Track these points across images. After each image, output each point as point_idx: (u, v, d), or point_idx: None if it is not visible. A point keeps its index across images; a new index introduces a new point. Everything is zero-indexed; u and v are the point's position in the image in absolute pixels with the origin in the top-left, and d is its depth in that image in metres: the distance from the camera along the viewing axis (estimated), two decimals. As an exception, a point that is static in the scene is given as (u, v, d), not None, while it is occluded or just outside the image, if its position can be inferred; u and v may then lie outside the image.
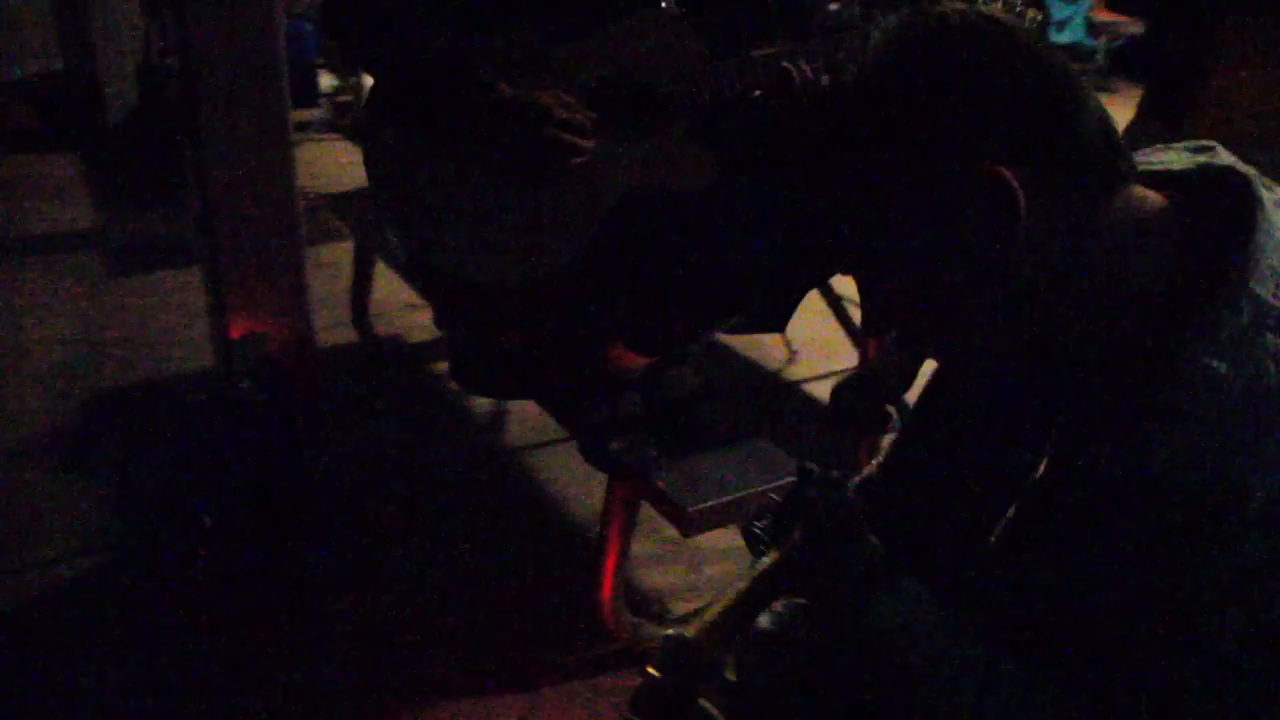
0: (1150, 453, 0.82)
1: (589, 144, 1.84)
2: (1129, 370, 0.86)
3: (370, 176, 1.96)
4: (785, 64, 1.83)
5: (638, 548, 2.49)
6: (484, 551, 2.56)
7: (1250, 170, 0.90)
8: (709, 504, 1.81)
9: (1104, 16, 9.00)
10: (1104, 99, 0.88)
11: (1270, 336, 0.81)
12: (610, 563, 2.10)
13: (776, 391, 3.36)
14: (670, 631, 0.84)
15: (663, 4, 1.93)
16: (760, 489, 1.86)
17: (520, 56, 1.86)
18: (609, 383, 2.00)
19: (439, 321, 2.43)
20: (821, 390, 3.40)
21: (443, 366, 3.51)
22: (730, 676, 1.08)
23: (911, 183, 0.86)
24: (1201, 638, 0.82)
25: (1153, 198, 0.89)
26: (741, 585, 0.91)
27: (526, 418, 3.12)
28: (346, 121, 6.35)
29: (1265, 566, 0.78)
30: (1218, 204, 0.88)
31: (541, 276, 1.86)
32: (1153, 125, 2.64)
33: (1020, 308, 0.89)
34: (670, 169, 1.91)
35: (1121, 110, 2.10)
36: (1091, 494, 0.86)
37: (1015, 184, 0.83)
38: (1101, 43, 8.97)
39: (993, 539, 0.96)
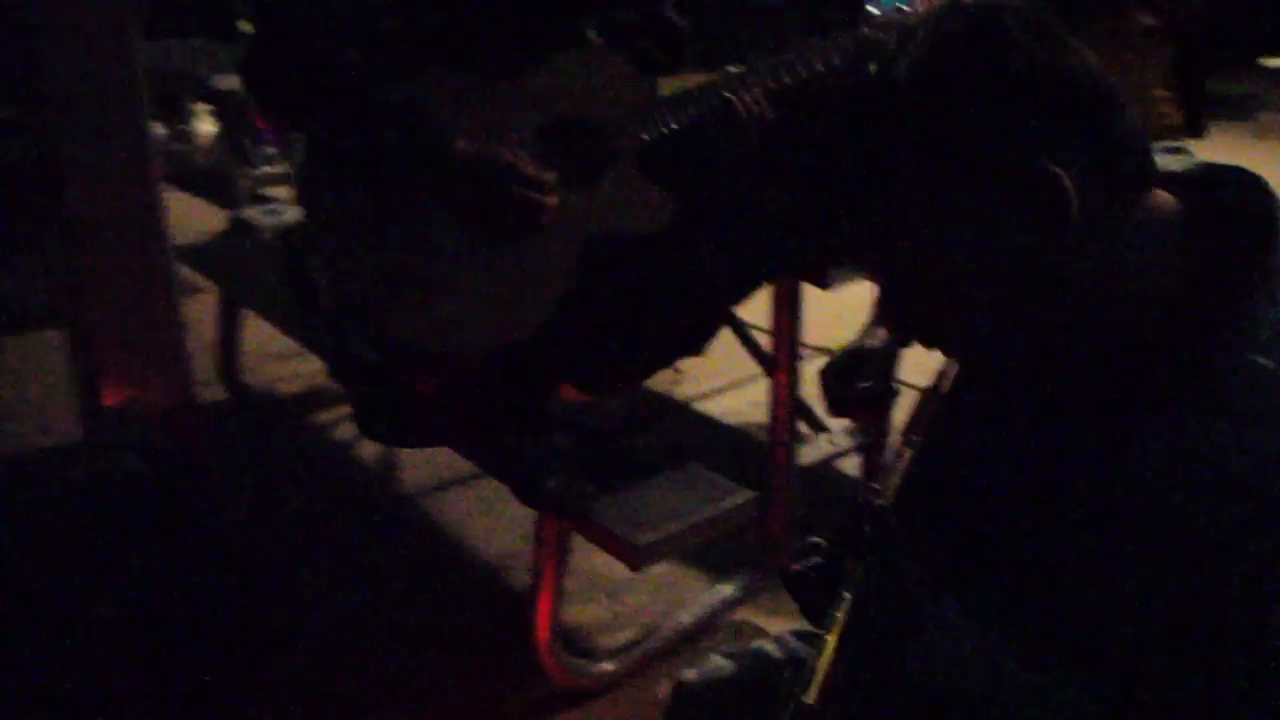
0: (1217, 454, 0.81)
1: (554, 201, 1.78)
2: (1163, 370, 0.86)
3: (309, 239, 1.85)
4: (726, 94, 1.81)
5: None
6: (402, 604, 2.46)
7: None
8: (659, 536, 1.78)
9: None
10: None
11: None
12: (545, 603, 2.05)
13: (676, 413, 3.35)
14: (794, 702, 0.78)
15: (590, 37, 1.89)
16: (707, 515, 1.83)
17: (452, 101, 1.78)
18: (539, 421, 1.94)
19: (335, 374, 2.32)
20: (713, 407, 3.41)
21: (325, 417, 3.39)
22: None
23: (961, 181, 0.84)
24: (1255, 635, 0.82)
25: (1167, 198, 0.90)
26: (830, 635, 0.86)
27: (419, 462, 3.03)
28: (172, 170, 6.07)
29: None
30: (1229, 204, 0.90)
31: (512, 340, 1.78)
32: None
33: (1055, 309, 0.88)
34: (626, 211, 1.86)
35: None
36: (1147, 498, 0.85)
37: (1069, 186, 0.82)
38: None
39: (1030, 546, 0.95)
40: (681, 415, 3.33)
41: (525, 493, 1.90)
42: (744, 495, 1.90)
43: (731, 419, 3.31)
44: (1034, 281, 0.87)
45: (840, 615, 0.88)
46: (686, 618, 2.32)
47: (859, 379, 1.35)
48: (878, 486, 1.10)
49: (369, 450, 3.16)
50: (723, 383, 3.50)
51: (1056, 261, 0.86)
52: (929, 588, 0.96)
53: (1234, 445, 0.81)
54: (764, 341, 2.91)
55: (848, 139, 0.88)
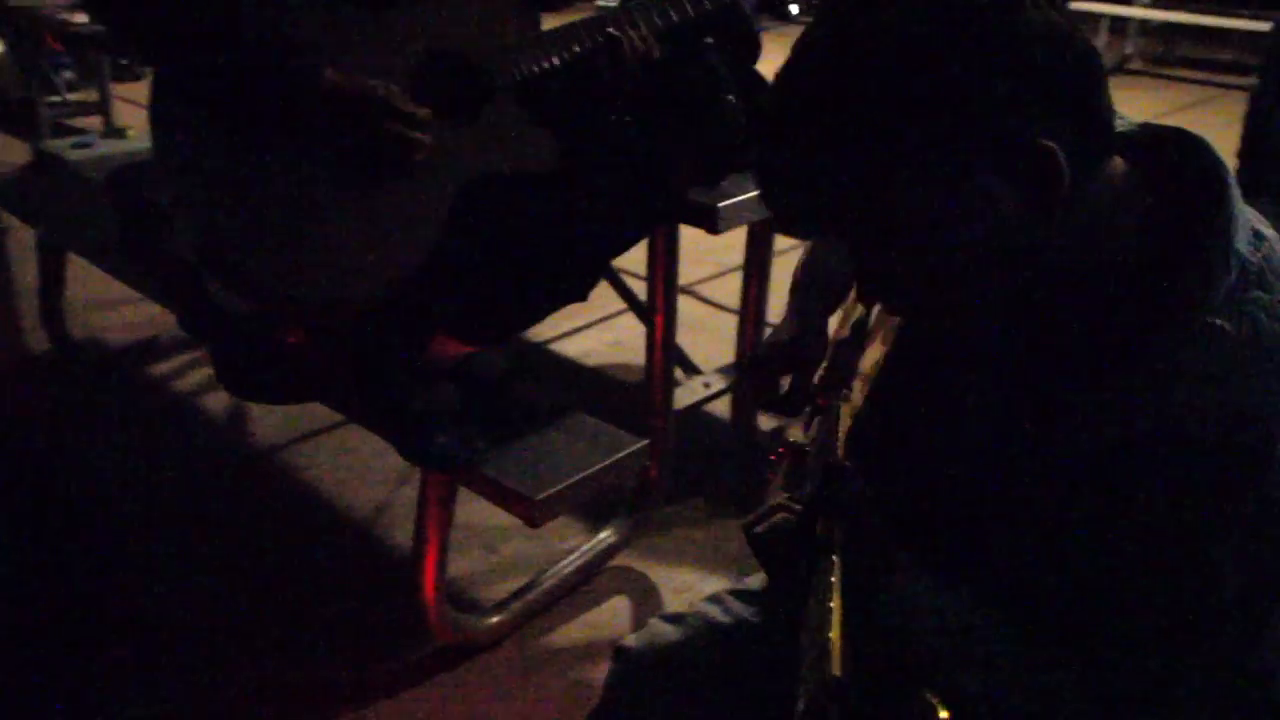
0: (1180, 414, 0.83)
1: (429, 138, 1.67)
2: (1125, 331, 0.87)
3: (164, 180, 1.69)
4: (612, 30, 1.75)
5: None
6: (268, 567, 2.35)
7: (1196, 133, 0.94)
8: (556, 489, 1.73)
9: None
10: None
11: (1255, 291, 0.85)
12: (430, 561, 1.98)
13: (532, 356, 3.28)
14: (814, 673, 0.75)
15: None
16: (601, 465, 1.80)
17: (321, 33, 1.65)
18: (419, 376, 1.86)
19: (188, 326, 2.18)
20: (571, 348, 3.37)
21: (162, 369, 3.19)
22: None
23: (951, 153, 0.82)
24: (1213, 589, 0.85)
25: (1118, 161, 0.90)
26: (836, 594, 0.84)
27: (267, 415, 2.88)
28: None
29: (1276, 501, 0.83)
30: (1176, 166, 0.91)
31: (388, 286, 1.68)
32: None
33: (1032, 277, 0.88)
34: (506, 149, 1.77)
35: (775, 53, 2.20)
36: (1112, 459, 0.86)
37: (1063, 161, 0.81)
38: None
39: (994, 505, 0.95)
40: (539, 358, 3.27)
41: (412, 450, 1.82)
42: (635, 443, 1.87)
43: (592, 360, 3.28)
44: (1016, 252, 0.86)
45: (835, 579, 0.85)
46: (568, 567, 2.29)
47: (787, 372, 1.35)
48: (836, 446, 1.09)
49: (212, 404, 3.00)
50: (580, 323, 3.46)
51: (1039, 232, 0.85)
52: (891, 541, 0.95)
53: (1193, 405, 0.83)
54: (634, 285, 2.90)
55: (817, 102, 0.85)
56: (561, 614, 2.24)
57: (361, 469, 2.70)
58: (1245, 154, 2.56)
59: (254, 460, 2.76)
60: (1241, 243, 0.86)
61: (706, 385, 2.60)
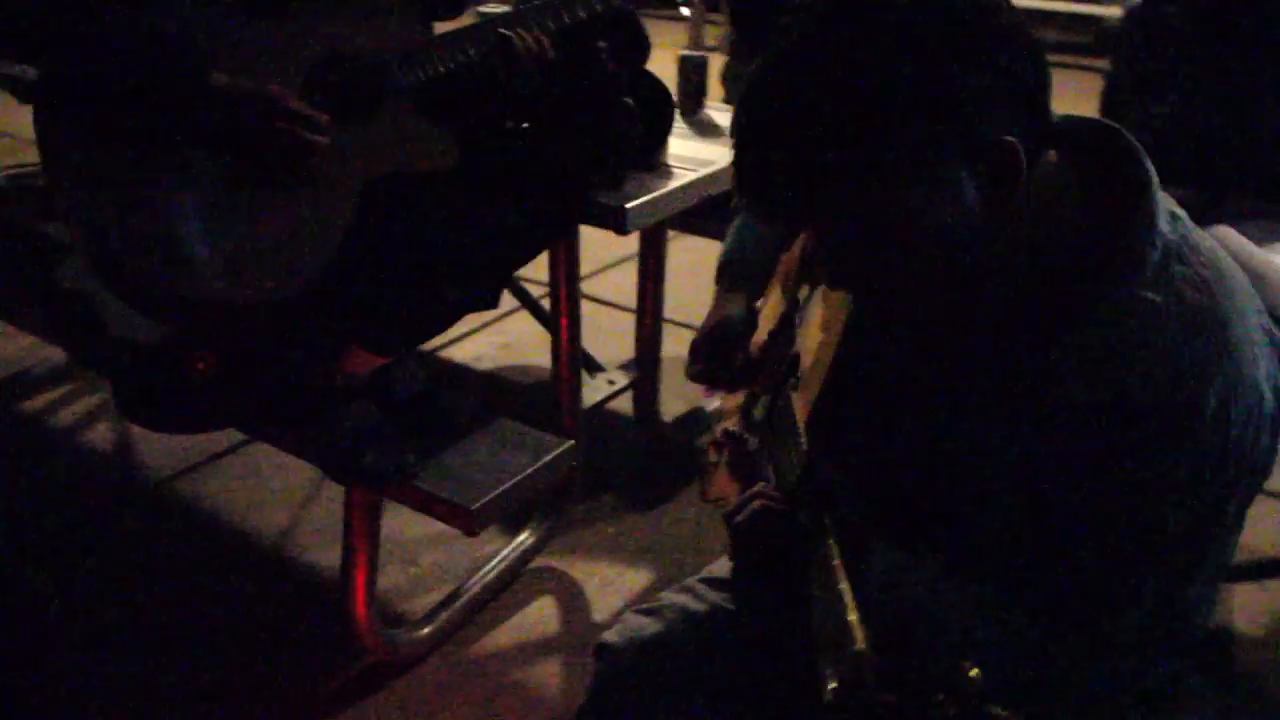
0: (1120, 377, 0.91)
1: (324, 140, 1.66)
2: (1066, 305, 0.95)
3: (50, 185, 1.64)
4: (503, 31, 1.77)
5: (335, 556, 2.36)
6: (183, 596, 2.29)
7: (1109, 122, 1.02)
8: (491, 496, 1.74)
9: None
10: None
11: (1177, 266, 0.94)
12: (360, 578, 1.98)
13: (426, 363, 3.26)
14: (838, 652, 0.79)
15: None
16: (532, 470, 1.82)
17: (214, 41, 1.63)
18: (338, 394, 1.85)
19: (82, 360, 2.11)
20: (460, 353, 3.36)
21: (36, 404, 3.05)
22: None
23: (930, 149, 0.88)
24: (1157, 531, 0.94)
25: (1051, 153, 0.97)
26: (842, 576, 0.88)
27: (156, 442, 2.79)
28: None
29: (1215, 464, 0.91)
30: (1099, 155, 0.99)
31: (289, 290, 1.66)
32: (753, 59, 2.86)
33: (981, 260, 0.94)
34: (404, 151, 1.78)
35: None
36: (1059, 421, 0.94)
37: (1022, 155, 0.87)
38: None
39: (956, 471, 1.02)
40: (430, 364, 3.25)
41: (339, 469, 1.81)
42: (562, 445, 1.90)
43: (485, 364, 3.28)
44: (970, 238, 0.92)
45: (837, 563, 0.90)
46: (491, 573, 2.30)
47: (730, 352, 1.40)
48: (797, 434, 1.14)
49: (96, 436, 2.90)
50: (468, 327, 3.45)
51: (992, 219, 0.92)
52: (867, 522, 1.02)
53: (1132, 370, 0.91)
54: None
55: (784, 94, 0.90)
56: (488, 619, 2.25)
57: (264, 491, 2.65)
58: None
59: (149, 492, 2.67)
60: (1163, 223, 0.95)
61: (611, 382, 2.64)
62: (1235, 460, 0.92)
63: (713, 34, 7.61)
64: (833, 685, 0.76)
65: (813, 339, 1.28)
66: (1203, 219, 1.87)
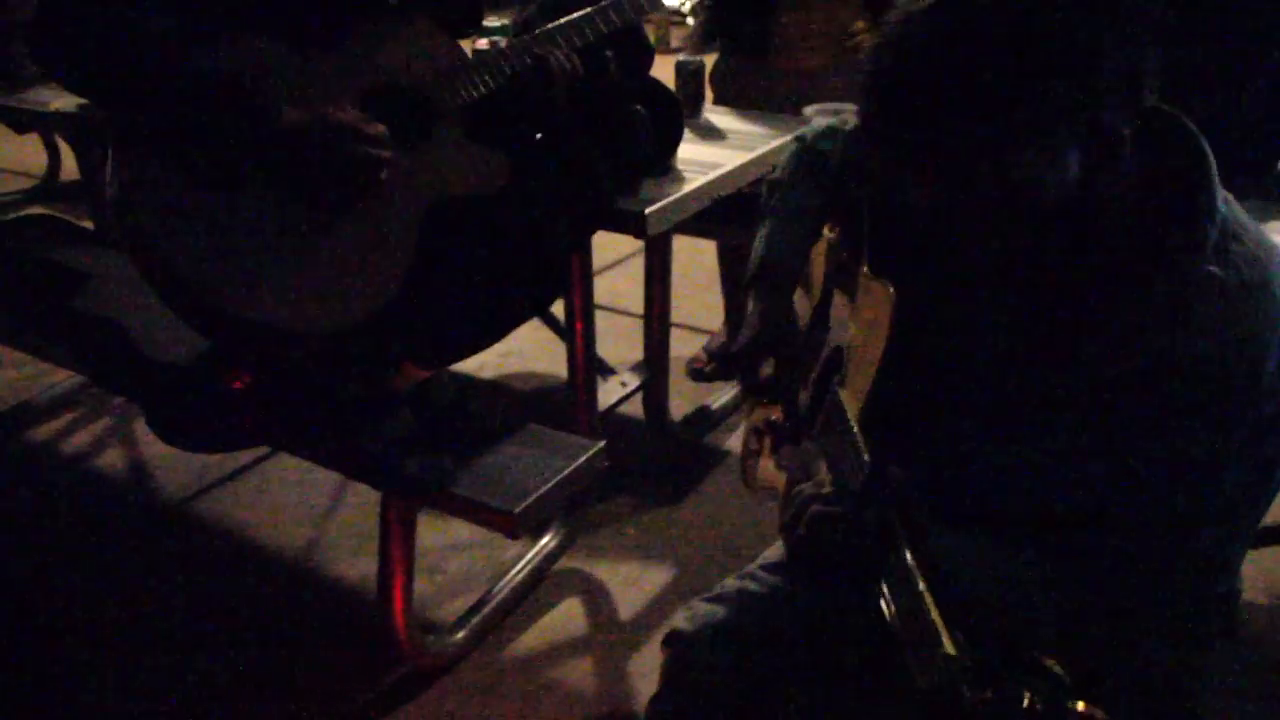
0: (1188, 344, 0.99)
1: (389, 154, 1.70)
2: (1137, 275, 1.03)
3: (122, 223, 1.66)
4: (539, 52, 1.82)
5: (364, 565, 2.40)
6: (218, 610, 2.32)
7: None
8: (532, 499, 1.78)
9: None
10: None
11: (1234, 244, 1.02)
12: (399, 586, 2.01)
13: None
14: (928, 656, 0.82)
15: (391, 3, 1.82)
16: (567, 471, 1.86)
17: (266, 76, 1.66)
18: (377, 406, 1.89)
19: (110, 384, 2.13)
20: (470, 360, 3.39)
21: (45, 432, 3.06)
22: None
23: (1066, 128, 0.95)
24: (1215, 486, 1.01)
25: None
26: (918, 577, 0.91)
27: (169, 464, 2.82)
28: None
29: (1270, 427, 0.98)
30: (1163, 137, 1.06)
31: (356, 315, 1.70)
32: (742, 61, 2.93)
33: (1071, 227, 1.02)
34: (461, 174, 1.82)
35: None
36: (1131, 382, 1.01)
37: (1126, 145, 0.96)
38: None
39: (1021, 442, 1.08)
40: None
41: (382, 479, 1.85)
42: (594, 446, 1.94)
43: (488, 373, 3.32)
44: (1059, 210, 1.00)
45: (913, 565, 0.93)
46: (518, 576, 2.34)
47: (763, 361, 1.45)
48: (850, 430, 1.18)
49: (108, 461, 2.91)
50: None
51: (1086, 189, 0.99)
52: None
53: (1199, 337, 0.99)
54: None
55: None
56: (518, 622, 2.29)
57: (284, 507, 2.67)
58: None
59: (168, 514, 2.69)
60: (1220, 203, 1.02)
61: (624, 384, 2.68)
62: None
63: (676, 35, 7.69)
64: (924, 690, 0.81)
65: (856, 334, 1.33)
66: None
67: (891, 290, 1.21)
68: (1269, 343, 0.98)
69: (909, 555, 0.95)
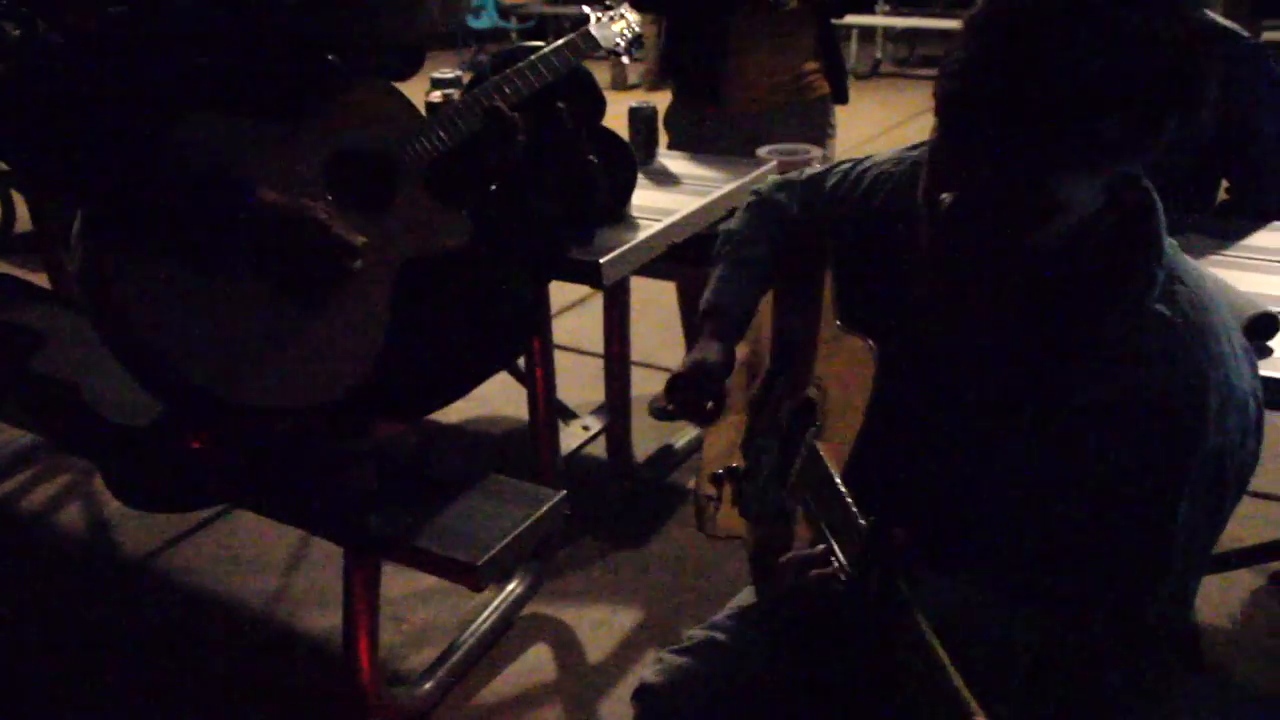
0: (1139, 382, 1.03)
1: (360, 265, 1.72)
2: (1084, 318, 1.08)
3: (90, 298, 1.66)
4: (486, 103, 1.85)
5: (330, 617, 2.39)
6: (181, 669, 2.30)
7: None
8: (494, 550, 1.79)
9: (508, 0, 9.56)
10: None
11: (1179, 286, 1.07)
12: (364, 641, 2.01)
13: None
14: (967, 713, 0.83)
15: (335, 63, 1.84)
16: (529, 522, 1.87)
17: (229, 147, 1.67)
18: (339, 461, 1.89)
19: (65, 445, 2.12)
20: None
21: (5, 488, 3.03)
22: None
23: (1112, 167, 0.99)
24: (1169, 536, 1.04)
25: None
26: (935, 643, 0.91)
27: (129, 521, 2.80)
28: None
29: (1216, 464, 1.03)
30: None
31: (336, 390, 1.71)
32: (694, 104, 2.96)
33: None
34: (423, 235, 1.84)
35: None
36: (1083, 420, 1.06)
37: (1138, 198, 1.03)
38: (513, 23, 9.53)
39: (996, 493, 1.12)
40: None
41: (344, 535, 1.85)
42: (555, 496, 1.95)
43: (453, 417, 3.31)
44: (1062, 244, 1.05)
45: (926, 629, 0.92)
46: (484, 624, 2.34)
47: (708, 388, 1.46)
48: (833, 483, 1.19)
49: (68, 519, 2.88)
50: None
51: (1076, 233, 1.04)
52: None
53: (1150, 376, 1.04)
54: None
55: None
56: (487, 670, 2.29)
57: (247, 560, 2.66)
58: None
59: (130, 570, 2.67)
60: (1168, 250, 1.07)
61: (585, 428, 2.70)
62: (1231, 461, 1.03)
63: (633, 71, 7.76)
64: None
65: (830, 387, 1.34)
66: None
67: (872, 345, 1.23)
68: (1211, 379, 1.02)
69: (922, 620, 0.93)
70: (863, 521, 1.03)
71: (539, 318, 2.28)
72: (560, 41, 2.09)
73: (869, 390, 1.18)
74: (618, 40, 2.23)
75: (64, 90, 1.55)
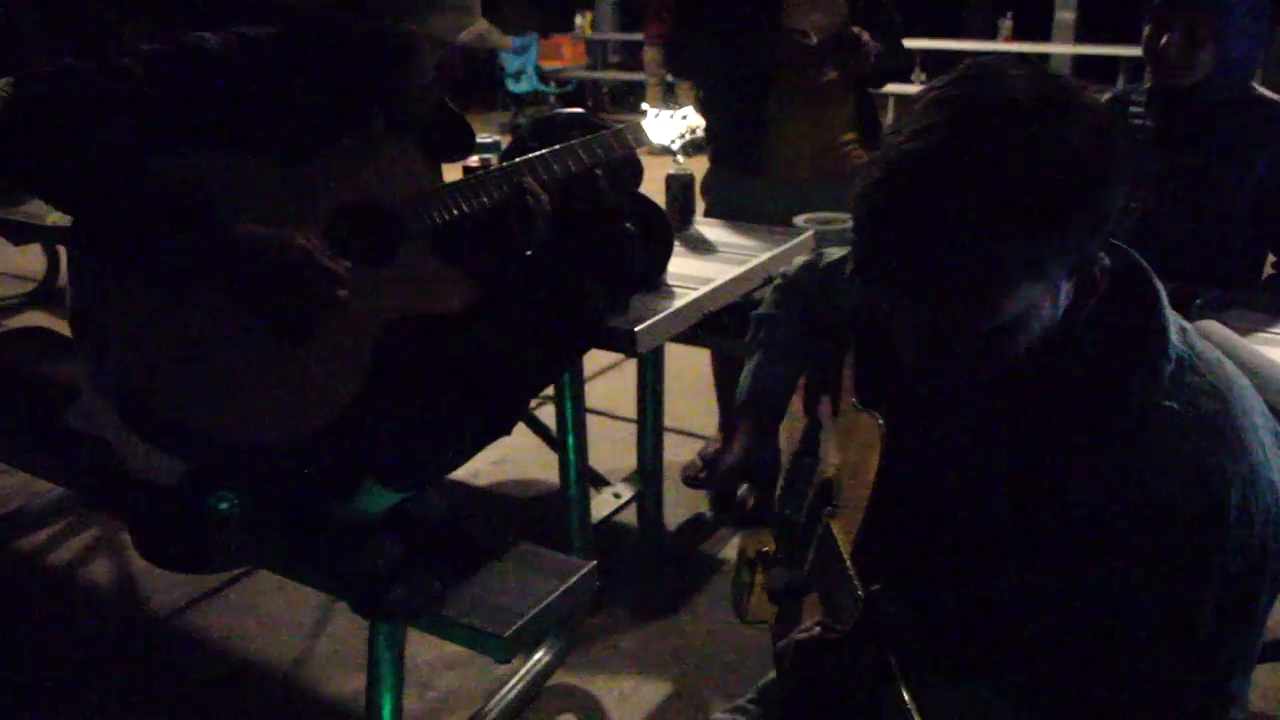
0: (1150, 482, 0.99)
1: (347, 296, 1.71)
2: (1096, 414, 1.03)
3: (76, 327, 1.68)
4: (520, 182, 1.86)
5: (355, 681, 2.36)
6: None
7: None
8: (522, 623, 1.75)
9: (548, 64, 9.69)
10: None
11: (1190, 375, 1.03)
12: (388, 705, 1.97)
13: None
14: None
15: (372, 123, 1.85)
16: (558, 593, 1.84)
17: (235, 187, 1.68)
18: (361, 528, 1.87)
19: (97, 502, 2.12)
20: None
21: (34, 541, 3.03)
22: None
23: (1056, 259, 0.94)
24: (1194, 639, 1.00)
25: None
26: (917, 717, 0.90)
27: (157, 580, 2.78)
28: None
29: (1242, 561, 0.98)
30: (1112, 273, 1.06)
31: (311, 433, 1.70)
32: (731, 172, 2.97)
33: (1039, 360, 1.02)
34: (420, 292, 1.83)
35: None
36: (1095, 524, 1.01)
37: (1106, 277, 0.99)
38: (552, 87, 9.65)
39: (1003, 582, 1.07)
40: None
41: (367, 604, 1.82)
42: (584, 566, 1.92)
43: (482, 480, 3.30)
44: (1044, 344, 1.01)
45: (910, 703, 0.92)
46: (511, 693, 2.30)
47: (741, 486, 1.45)
48: (842, 563, 1.17)
49: (97, 572, 2.88)
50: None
51: (1062, 323, 1.00)
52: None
53: (1161, 475, 0.99)
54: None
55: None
56: (512, 740, 2.25)
57: (272, 621, 2.64)
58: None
59: (156, 627, 2.66)
60: (1174, 336, 1.03)
61: (617, 496, 2.67)
62: (1260, 556, 0.98)
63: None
64: None
65: (846, 465, 1.33)
66: (1187, 314, 1.96)
67: (880, 422, 1.22)
68: (1231, 474, 0.97)
69: (905, 693, 0.94)
70: (860, 593, 1.02)
71: (568, 380, 2.27)
72: (609, 131, 2.09)
73: (876, 465, 1.17)
74: (673, 140, 2.24)
75: (60, 110, 1.58)
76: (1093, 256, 0.97)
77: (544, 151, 1.96)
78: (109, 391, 1.73)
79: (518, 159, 1.96)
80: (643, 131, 2.17)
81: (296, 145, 1.75)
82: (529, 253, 1.95)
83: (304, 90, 1.78)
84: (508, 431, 2.06)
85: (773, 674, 1.40)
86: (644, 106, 2.25)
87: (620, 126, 2.11)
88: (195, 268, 1.64)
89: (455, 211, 1.88)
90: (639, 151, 2.29)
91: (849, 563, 1.16)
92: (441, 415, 1.88)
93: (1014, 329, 0.97)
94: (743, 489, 1.46)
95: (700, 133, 2.29)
